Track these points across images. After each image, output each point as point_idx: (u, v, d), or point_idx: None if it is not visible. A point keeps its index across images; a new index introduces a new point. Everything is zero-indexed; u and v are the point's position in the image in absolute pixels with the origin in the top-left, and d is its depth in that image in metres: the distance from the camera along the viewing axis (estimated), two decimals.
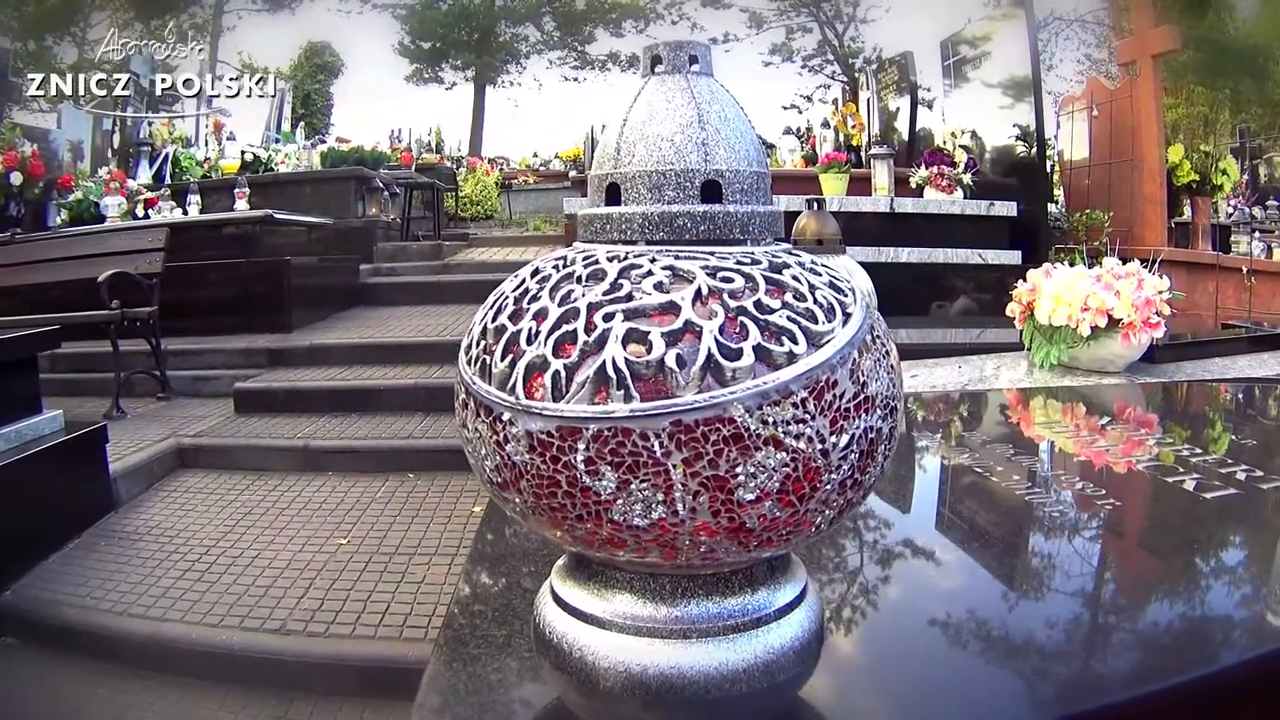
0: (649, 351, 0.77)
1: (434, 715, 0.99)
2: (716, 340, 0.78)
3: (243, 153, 10.23)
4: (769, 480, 0.79)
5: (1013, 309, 3.93)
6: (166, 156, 9.70)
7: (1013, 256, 7.06)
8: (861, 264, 2.46)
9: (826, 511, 0.86)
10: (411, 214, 11.11)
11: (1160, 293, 3.60)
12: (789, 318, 0.81)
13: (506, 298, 0.90)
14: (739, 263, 0.86)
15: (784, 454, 0.79)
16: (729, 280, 0.83)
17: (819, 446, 0.80)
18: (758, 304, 0.81)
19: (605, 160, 0.94)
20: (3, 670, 3.27)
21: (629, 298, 0.81)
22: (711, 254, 0.87)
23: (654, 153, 0.91)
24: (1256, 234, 8.76)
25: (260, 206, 8.29)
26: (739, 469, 0.78)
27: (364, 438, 5.28)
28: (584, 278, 0.86)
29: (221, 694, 3.06)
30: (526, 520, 0.90)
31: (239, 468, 5.10)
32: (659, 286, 0.81)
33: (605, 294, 0.82)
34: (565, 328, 0.81)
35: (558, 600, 1.00)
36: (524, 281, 0.91)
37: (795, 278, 0.87)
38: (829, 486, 0.83)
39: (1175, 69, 12.67)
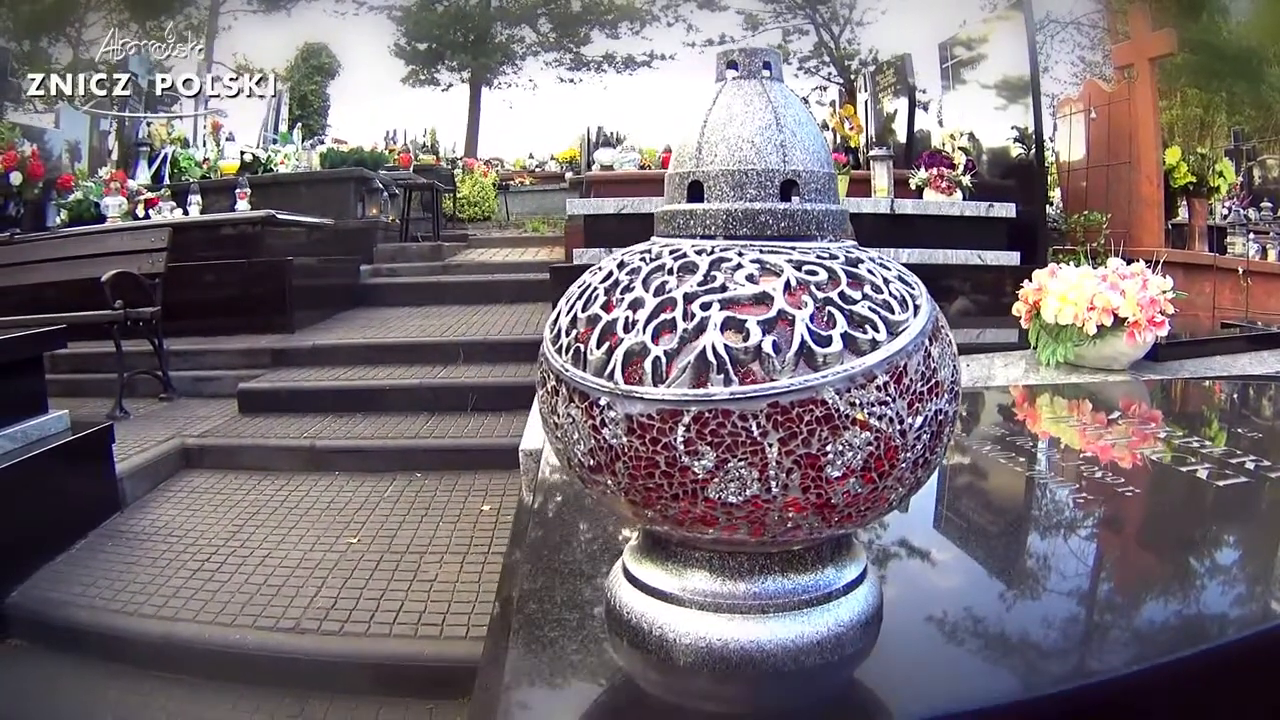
0: (746, 339, 0.82)
1: (524, 697, 1.02)
2: (808, 328, 0.82)
3: (242, 153, 10.21)
4: (854, 458, 0.84)
5: (1018, 308, 3.97)
6: (165, 157, 9.69)
7: (1011, 258, 7.09)
8: None
9: (899, 489, 0.91)
10: (410, 215, 11.12)
11: (1164, 292, 3.65)
12: (870, 308, 0.86)
13: (595, 289, 0.94)
14: (820, 257, 0.90)
15: (868, 433, 0.84)
16: (814, 273, 0.87)
17: (898, 427, 0.85)
18: (842, 295, 0.86)
19: (685, 159, 0.98)
20: (11, 672, 3.26)
21: (723, 288, 0.85)
22: (793, 249, 0.91)
23: (735, 153, 0.95)
24: (1251, 235, 8.82)
25: (260, 207, 8.29)
26: (829, 448, 0.83)
27: (370, 437, 5.29)
28: (675, 269, 0.90)
29: (236, 694, 3.06)
30: (615, 504, 0.94)
31: (245, 467, 5.10)
32: (750, 278, 0.86)
33: (700, 285, 0.86)
34: (664, 316, 0.85)
35: (631, 580, 1.04)
36: (611, 273, 0.95)
37: (870, 271, 0.91)
38: (904, 464, 0.88)
39: (1170, 71, 12.75)
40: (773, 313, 0.83)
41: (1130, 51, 8.59)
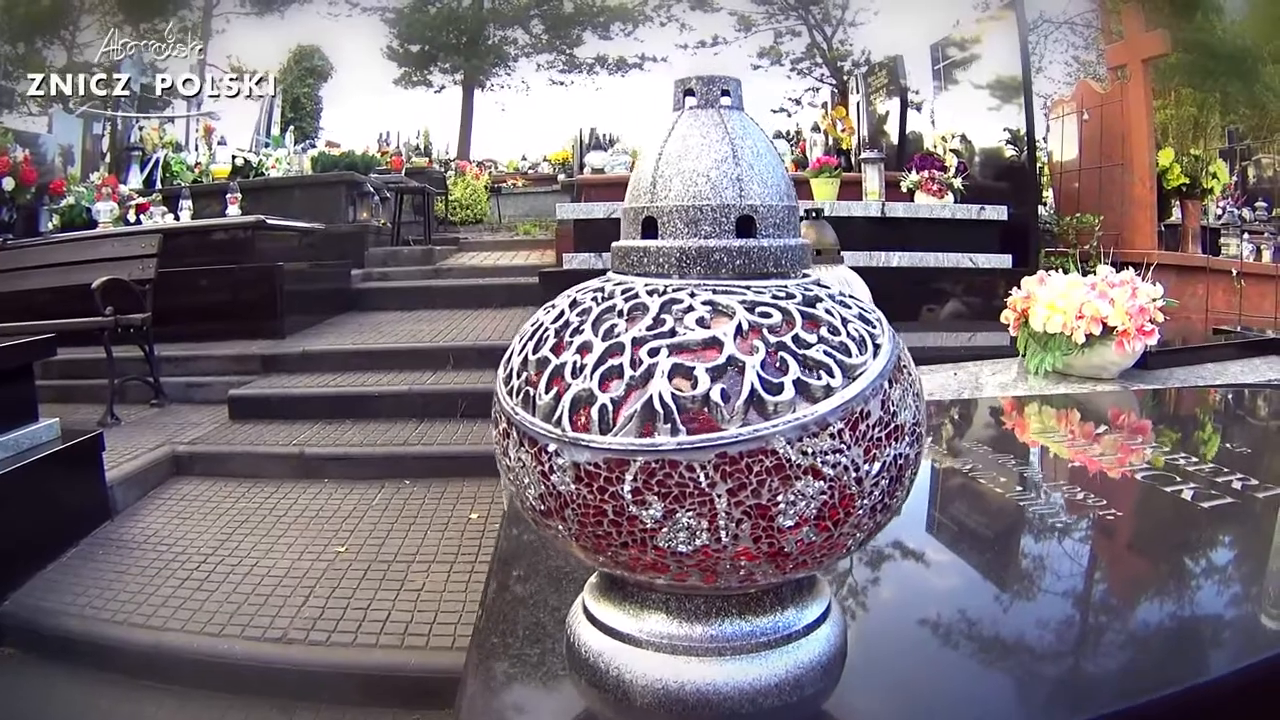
0: (694, 386, 0.80)
1: None
2: (759, 375, 0.80)
3: (233, 157, 10.21)
4: (807, 507, 0.82)
5: (1007, 316, 3.96)
6: (157, 161, 9.68)
7: (1003, 260, 7.10)
8: (853, 268, 2.48)
9: (858, 535, 0.89)
10: (402, 219, 11.11)
11: (1154, 300, 3.64)
12: (825, 352, 0.84)
13: (546, 329, 0.92)
14: (775, 297, 0.88)
15: (821, 482, 0.82)
16: (767, 315, 0.85)
17: (854, 475, 0.83)
18: (795, 339, 0.84)
19: (640, 193, 0.96)
20: (2, 680, 3.27)
21: (672, 333, 0.83)
22: (748, 288, 0.89)
23: (690, 188, 0.93)
24: (1246, 236, 8.82)
25: (251, 211, 8.29)
26: (780, 497, 0.81)
27: (359, 444, 5.29)
28: (625, 311, 0.88)
29: (223, 703, 3.07)
30: (568, 547, 0.92)
31: (234, 475, 5.10)
32: (701, 322, 0.84)
33: (649, 329, 0.84)
34: (611, 362, 0.83)
35: (591, 619, 1.02)
36: (563, 313, 0.93)
37: (828, 311, 0.89)
38: (861, 511, 0.86)
39: (1163, 71, 12.74)
40: (722, 359, 0.81)
41: (1123, 52, 8.60)
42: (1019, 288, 3.91)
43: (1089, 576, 1.49)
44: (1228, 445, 2.34)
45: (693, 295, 0.87)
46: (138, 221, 8.19)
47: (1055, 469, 2.10)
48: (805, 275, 0.97)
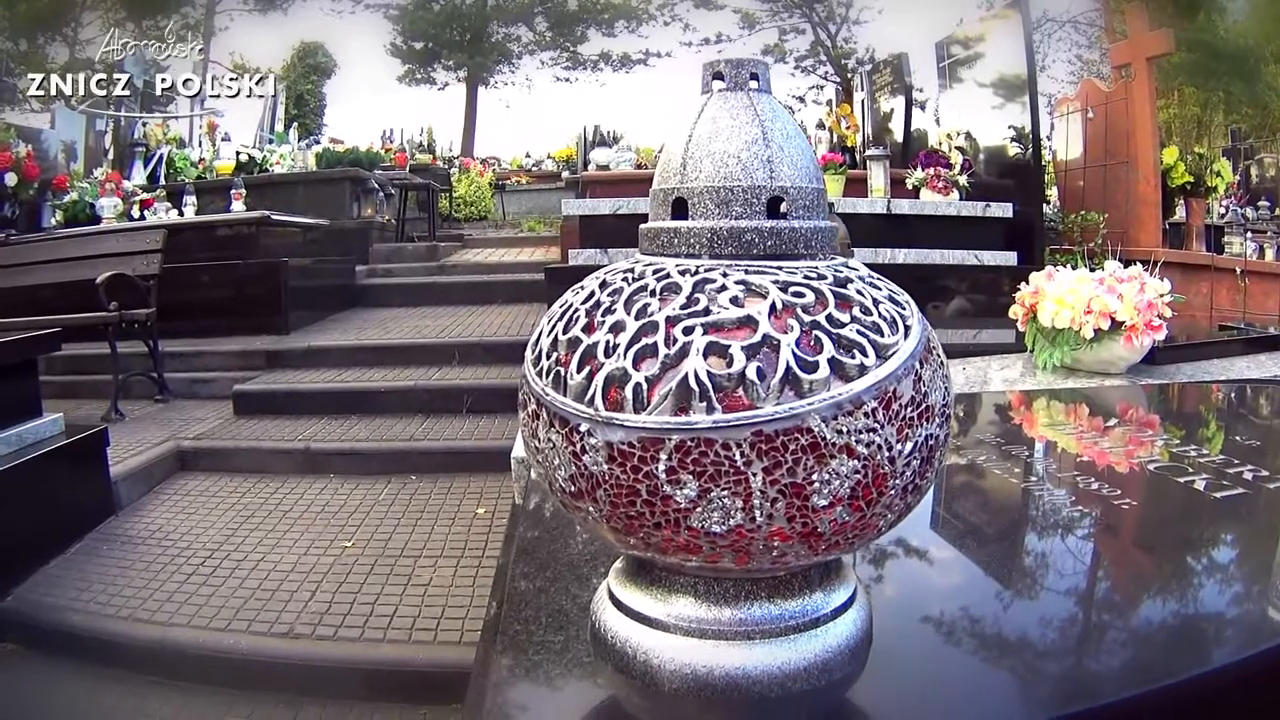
0: (730, 365, 0.80)
1: None
2: (794, 354, 0.80)
3: (237, 153, 10.19)
4: (841, 486, 0.82)
5: (1015, 311, 3.95)
6: (161, 157, 9.66)
7: (1008, 258, 7.09)
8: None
9: (889, 515, 0.89)
10: (406, 215, 11.11)
11: (1162, 296, 3.63)
12: (858, 331, 0.84)
13: (576, 310, 0.92)
14: (807, 277, 0.88)
15: (856, 461, 0.82)
16: (800, 295, 0.85)
17: (887, 454, 0.83)
18: (829, 318, 0.84)
19: (670, 174, 0.96)
20: (6, 676, 3.25)
21: (706, 311, 0.83)
22: (780, 269, 0.89)
23: (720, 169, 0.93)
24: (1249, 234, 8.82)
25: (255, 207, 8.27)
26: (815, 476, 0.80)
27: (365, 440, 5.29)
28: (658, 291, 0.88)
29: (229, 698, 3.06)
30: (598, 529, 0.92)
31: (240, 470, 5.10)
32: (735, 301, 0.84)
33: (683, 308, 0.84)
34: (645, 341, 0.83)
35: (617, 604, 1.02)
36: (593, 294, 0.92)
37: (859, 292, 0.89)
38: (893, 491, 0.86)
39: (1167, 70, 12.75)
40: (757, 338, 0.80)
41: (1127, 51, 8.59)
42: (1027, 283, 3.90)
43: (1099, 564, 1.49)
44: (1236, 438, 2.34)
45: (725, 275, 0.87)
46: (142, 217, 8.17)
47: (1064, 461, 2.10)
48: (834, 257, 0.97)
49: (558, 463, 0.89)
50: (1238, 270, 7.26)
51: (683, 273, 0.89)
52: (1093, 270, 3.81)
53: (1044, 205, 8.36)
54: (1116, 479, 1.85)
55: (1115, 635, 1.19)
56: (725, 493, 0.80)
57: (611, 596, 1.03)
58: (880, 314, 0.87)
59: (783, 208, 0.93)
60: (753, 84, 0.97)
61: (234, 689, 3.10)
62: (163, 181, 9.38)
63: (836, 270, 0.92)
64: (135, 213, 8.26)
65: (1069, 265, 3.97)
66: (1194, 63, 14.89)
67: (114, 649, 3.27)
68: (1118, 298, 3.59)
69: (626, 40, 21.53)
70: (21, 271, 6.80)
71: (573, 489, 0.89)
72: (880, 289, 0.92)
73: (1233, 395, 3.18)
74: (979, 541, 1.61)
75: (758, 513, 0.81)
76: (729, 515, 0.81)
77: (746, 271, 0.88)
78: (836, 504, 0.82)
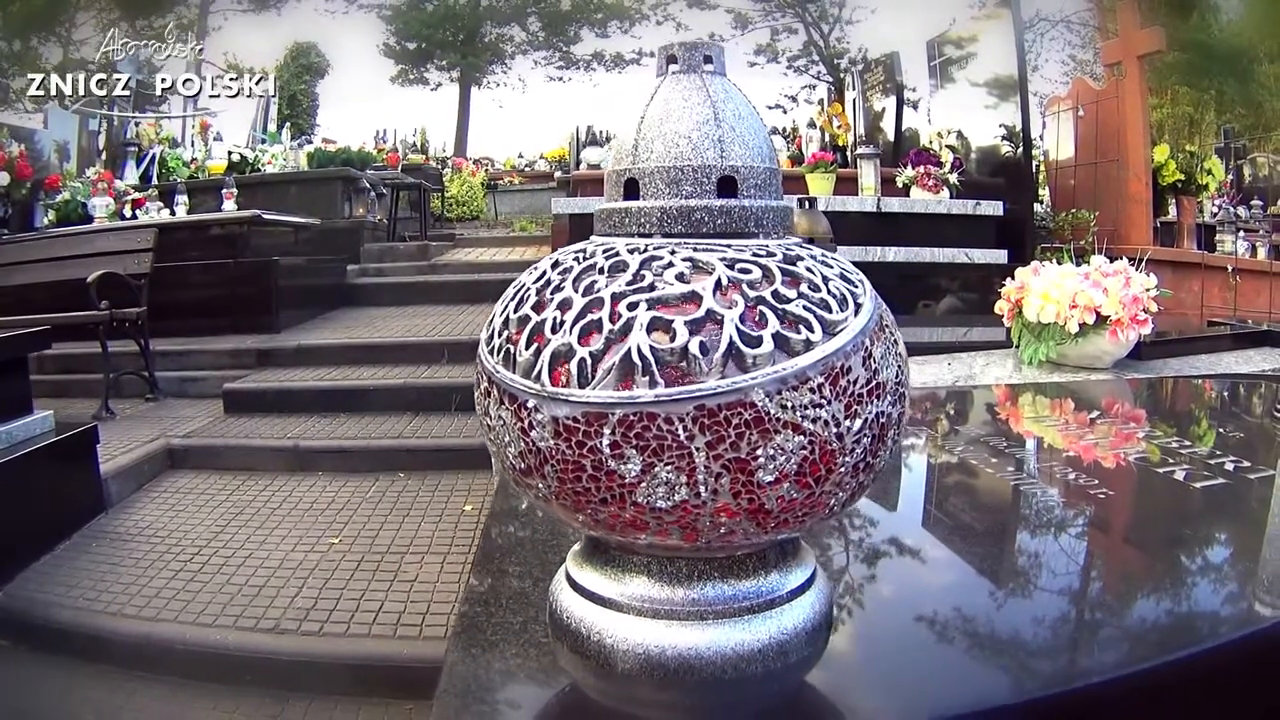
0: (673, 339, 0.80)
1: (456, 701, 1.00)
2: (738, 328, 0.80)
3: (229, 153, 10.18)
4: (787, 462, 0.82)
5: (1001, 306, 3.96)
6: (153, 157, 9.66)
7: (999, 256, 7.09)
8: (851, 263, 2.48)
9: (840, 494, 0.89)
10: (398, 215, 11.09)
11: (1147, 290, 3.64)
12: (805, 307, 0.84)
13: (528, 289, 0.92)
14: (755, 255, 0.88)
15: (801, 437, 0.82)
16: (747, 271, 0.85)
17: (834, 430, 0.83)
18: (775, 294, 0.84)
19: (623, 156, 0.97)
20: None
21: (651, 288, 0.84)
22: (729, 246, 0.89)
23: (671, 149, 0.93)
24: (1241, 233, 8.83)
25: (247, 207, 8.24)
26: (759, 451, 0.81)
27: (354, 438, 5.28)
28: (606, 269, 0.88)
29: (216, 694, 3.05)
30: (549, 505, 0.92)
31: (229, 468, 5.08)
32: (680, 277, 0.84)
33: (629, 284, 0.85)
34: (590, 316, 0.83)
35: (574, 585, 1.02)
36: (545, 273, 0.93)
37: (809, 269, 0.89)
38: (843, 469, 0.86)
39: (1160, 70, 12.77)
40: (701, 312, 0.81)
41: (1118, 49, 8.61)
42: (1013, 278, 3.91)
43: (1074, 551, 1.50)
44: (1221, 430, 2.35)
45: (673, 253, 0.87)
46: (133, 217, 8.17)
47: (1049, 454, 2.10)
48: (788, 237, 0.97)
49: (508, 439, 0.89)
50: (1229, 268, 7.26)
51: (631, 251, 0.89)
52: (1079, 266, 3.82)
53: (1035, 204, 8.38)
54: (1099, 470, 1.86)
55: (1108, 622, 1.20)
56: (669, 467, 0.81)
57: (569, 578, 1.04)
58: (830, 291, 0.87)
59: (735, 187, 0.94)
60: (707, 66, 0.98)
61: (220, 684, 3.08)
62: (155, 181, 9.37)
63: (787, 249, 0.92)
64: (127, 212, 8.26)
65: (1056, 261, 3.98)
66: (1187, 62, 14.91)
67: (102, 644, 3.25)
68: (1103, 292, 3.60)
69: (619, 40, 21.51)
70: (13, 271, 6.78)
71: (522, 465, 0.89)
72: (832, 267, 0.92)
73: (1216, 390, 3.19)
74: (951, 530, 1.62)
75: (702, 488, 0.81)
76: (673, 490, 0.82)
77: (695, 249, 0.88)
78: (783, 480, 0.83)
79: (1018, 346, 3.90)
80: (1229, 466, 1.79)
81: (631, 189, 0.96)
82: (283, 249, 8.00)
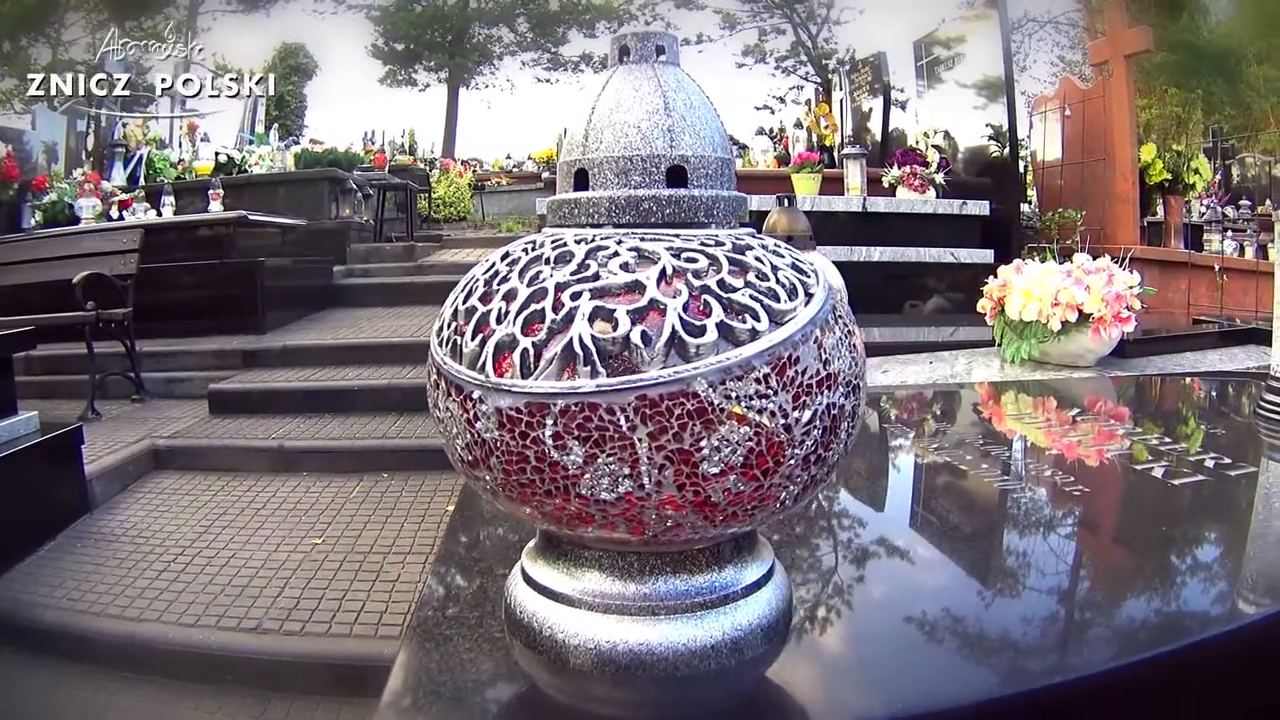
0: (615, 329, 0.79)
1: (406, 697, 1.00)
2: (680, 317, 0.80)
3: (216, 154, 10.17)
4: (733, 454, 0.81)
5: (984, 305, 3.96)
6: (140, 158, 9.64)
7: (985, 255, 7.09)
8: (834, 263, 2.48)
9: (790, 487, 0.88)
10: (385, 215, 11.07)
11: (1130, 287, 3.64)
12: (751, 296, 0.83)
13: (477, 280, 0.92)
14: (703, 244, 0.88)
15: (747, 428, 0.81)
16: (693, 260, 0.85)
17: (782, 421, 0.82)
18: (721, 283, 0.83)
19: (574, 147, 0.96)
20: None
21: (595, 277, 0.83)
22: (676, 236, 0.89)
23: (620, 139, 0.93)
24: (1228, 233, 8.85)
25: (234, 208, 8.23)
26: (703, 443, 0.80)
27: (338, 438, 5.27)
28: (552, 259, 0.87)
29: (198, 693, 3.04)
30: (496, 498, 0.92)
31: (214, 469, 5.07)
32: (625, 266, 0.83)
33: (573, 274, 0.84)
34: (534, 307, 0.83)
35: (528, 580, 1.02)
36: (494, 265, 0.92)
37: (758, 259, 0.89)
38: (792, 461, 0.85)
39: (1148, 70, 12.79)
40: (644, 301, 0.80)
41: (1106, 49, 8.62)
42: (995, 276, 3.91)
43: (1066, 551, 1.49)
44: (1202, 427, 2.35)
45: (619, 243, 0.87)
46: (120, 217, 8.16)
47: (1031, 453, 2.10)
48: (741, 227, 0.97)
49: (455, 431, 0.89)
50: (1216, 267, 7.27)
51: (579, 241, 0.89)
52: (1062, 264, 3.83)
53: (1022, 203, 8.39)
54: (1076, 469, 1.87)
55: (1071, 618, 1.20)
56: (612, 459, 0.80)
57: (524, 573, 1.03)
58: (779, 280, 0.87)
59: (685, 177, 0.93)
60: (660, 57, 0.97)
61: (203, 684, 3.08)
62: (142, 182, 9.35)
63: (737, 239, 0.91)
64: (114, 213, 8.25)
65: (1040, 260, 3.98)
66: (1175, 63, 14.95)
67: (86, 645, 3.25)
68: (1085, 289, 3.60)
69: (608, 41, 21.47)
70: (1, 272, 6.77)
71: (469, 457, 0.89)
72: (784, 257, 0.92)
73: (1202, 388, 3.19)
74: (928, 526, 1.61)
75: (646, 479, 0.81)
76: (617, 482, 0.81)
77: (642, 239, 0.87)
78: (729, 472, 0.82)
79: (1000, 344, 3.90)
80: (1210, 464, 1.78)
81: (581, 180, 0.95)
82: (269, 250, 7.97)
